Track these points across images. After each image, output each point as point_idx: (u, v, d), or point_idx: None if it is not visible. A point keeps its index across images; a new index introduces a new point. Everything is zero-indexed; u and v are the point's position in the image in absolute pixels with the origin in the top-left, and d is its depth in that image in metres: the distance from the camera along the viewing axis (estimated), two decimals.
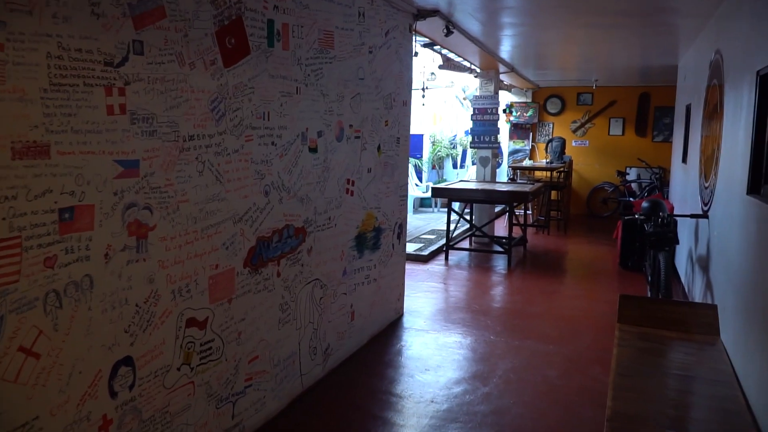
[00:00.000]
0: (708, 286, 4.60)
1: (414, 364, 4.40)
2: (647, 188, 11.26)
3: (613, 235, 9.00)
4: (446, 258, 8.03)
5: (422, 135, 13.37)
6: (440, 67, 7.24)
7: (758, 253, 3.19)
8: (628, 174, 12.04)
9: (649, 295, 5.83)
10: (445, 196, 7.96)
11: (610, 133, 12.43)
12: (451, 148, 13.62)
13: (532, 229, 10.22)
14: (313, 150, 3.72)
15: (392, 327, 5.21)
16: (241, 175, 3.01)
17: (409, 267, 7.47)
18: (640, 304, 4.33)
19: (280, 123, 3.33)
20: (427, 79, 8.47)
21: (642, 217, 5.32)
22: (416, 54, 5.37)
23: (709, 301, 4.54)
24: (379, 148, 4.73)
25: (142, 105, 2.36)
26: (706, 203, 4.91)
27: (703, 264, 4.91)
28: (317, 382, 3.98)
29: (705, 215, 4.85)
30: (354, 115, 4.26)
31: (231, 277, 2.98)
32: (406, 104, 5.27)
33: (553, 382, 4.16)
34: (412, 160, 12.70)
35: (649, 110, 12.16)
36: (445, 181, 13.17)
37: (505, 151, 13.02)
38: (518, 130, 12.92)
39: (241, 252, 3.05)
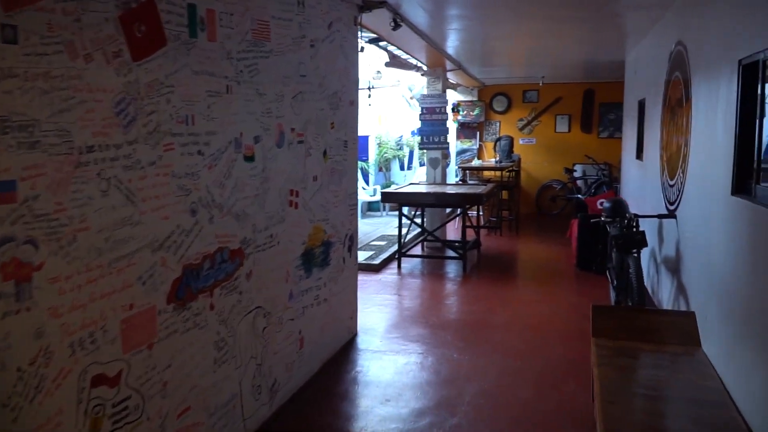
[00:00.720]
0: (680, 290, 4.33)
1: (372, 394, 3.94)
2: (594, 184, 11.18)
3: (567, 233, 8.81)
4: (399, 266, 7.61)
5: (368, 136, 12.93)
6: (387, 64, 6.82)
7: (750, 258, 2.89)
8: (576, 171, 11.95)
9: (613, 299, 5.57)
10: (396, 201, 7.54)
11: (557, 131, 12.33)
12: (397, 150, 13.25)
13: (484, 231, 9.94)
14: (250, 158, 3.22)
15: (346, 349, 4.73)
16: (160, 192, 2.48)
17: (361, 278, 7.01)
18: (615, 314, 4.02)
19: (208, 128, 2.81)
20: (373, 78, 8.04)
21: (606, 219, 5.04)
22: (362, 49, 4.92)
23: (682, 307, 4.27)
24: (325, 153, 4.26)
25: (18, 109, 1.82)
26: (672, 202, 4.66)
27: (672, 267, 4.66)
28: (264, 424, 3.46)
29: (672, 215, 4.59)
30: (296, 117, 3.77)
31: (151, 317, 2.45)
32: (354, 104, 4.81)
33: (529, 404, 3.78)
34: (358, 163, 12.25)
35: (594, 106, 12.10)
36: (393, 183, 12.77)
37: (453, 151, 12.73)
38: (465, 130, 12.66)
39: (164, 286, 2.52)
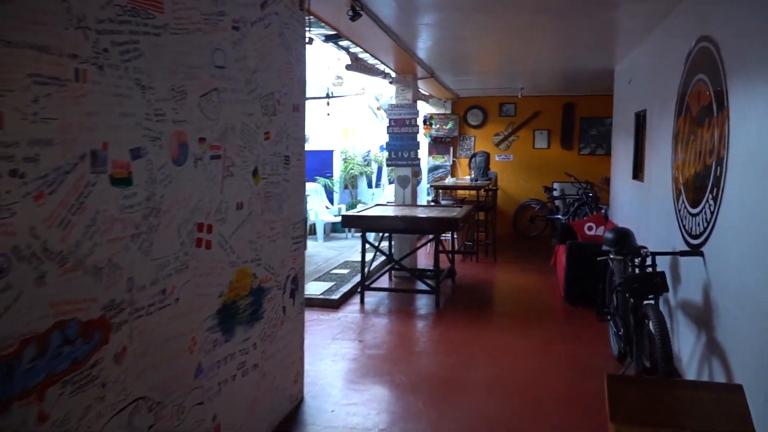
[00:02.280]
0: (712, 351, 3.38)
1: None
2: (576, 205, 10.36)
3: (551, 261, 7.88)
4: (362, 301, 6.57)
5: (332, 151, 11.95)
6: (348, 67, 5.84)
7: None
8: (555, 190, 11.13)
9: (615, 350, 4.62)
10: (358, 225, 6.53)
11: (535, 146, 11.50)
12: (365, 166, 12.25)
13: (459, 256, 8.97)
14: (123, 181, 2.16)
15: (287, 425, 3.67)
16: None
17: (316, 317, 5.96)
18: (638, 388, 3.03)
19: (33, 134, 1.76)
20: (333, 84, 7.03)
21: (612, 254, 4.09)
22: (310, 41, 3.92)
23: (716, 374, 3.32)
24: (256, 172, 3.22)
25: None
26: (697, 236, 3.73)
27: (697, 318, 3.71)
28: None
29: (697, 252, 3.66)
30: (208, 123, 2.73)
31: None
32: (299, 110, 3.79)
33: None
34: (321, 180, 11.25)
35: (574, 121, 11.31)
36: (359, 202, 11.75)
37: (425, 168, 11.79)
38: (438, 145, 11.74)
39: None
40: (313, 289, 6.86)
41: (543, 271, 8.17)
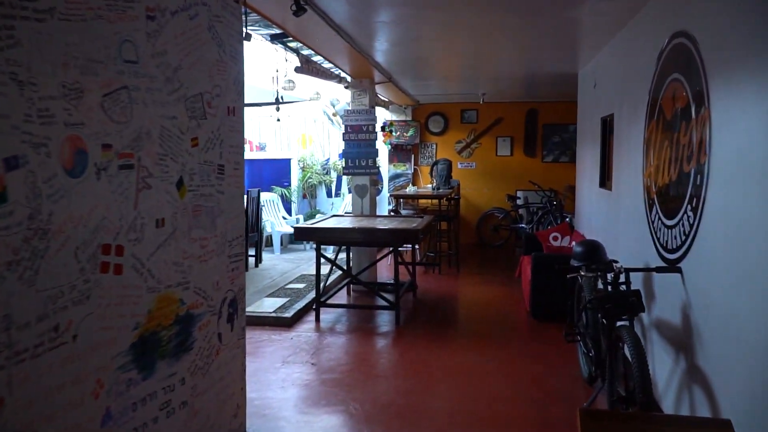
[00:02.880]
0: (693, 379, 3.09)
1: None
2: (540, 214, 10.15)
3: (516, 273, 7.60)
4: (317, 318, 6.16)
5: (290, 159, 11.51)
6: (297, 69, 5.44)
7: None
8: (519, 198, 10.91)
9: (585, 371, 4.31)
10: (312, 238, 6.13)
11: (498, 154, 11.27)
12: (324, 174, 11.83)
13: (420, 268, 8.63)
14: None
15: None
16: None
17: (266, 336, 5.54)
18: (615, 426, 2.71)
19: None
20: (284, 88, 6.62)
21: (583, 272, 3.78)
22: (248, 37, 3.52)
23: (698, 406, 3.02)
24: (181, 183, 2.80)
25: None
26: (673, 250, 3.45)
27: (675, 341, 3.42)
28: None
29: (674, 269, 3.37)
30: (115, 127, 2.31)
31: None
32: (236, 113, 3.38)
33: None
34: (278, 190, 10.80)
35: (537, 128, 11.12)
36: (318, 212, 11.33)
37: (385, 176, 11.44)
38: (399, 152, 11.41)
39: None
40: (266, 305, 6.43)
41: (507, 283, 7.89)
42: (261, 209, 9.14)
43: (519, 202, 10.81)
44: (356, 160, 7.19)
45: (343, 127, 7.27)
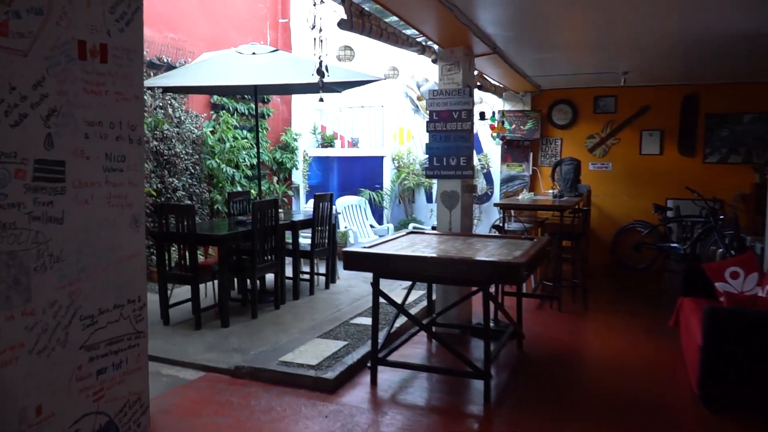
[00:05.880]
0: None
1: None
2: (700, 231, 7.73)
3: (671, 321, 5.29)
4: (373, 380, 4.36)
5: (382, 157, 9.82)
6: (342, 25, 3.65)
7: None
8: (671, 209, 8.46)
9: None
10: (364, 268, 4.32)
11: (643, 152, 8.90)
12: (423, 175, 10.01)
13: (532, 302, 6.55)
14: None
15: None
16: None
17: (297, 405, 3.80)
18: None
19: None
20: (338, 56, 4.82)
21: None
22: None
23: None
24: None
25: None
26: None
27: None
28: None
29: None
30: None
31: None
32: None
33: None
34: (366, 193, 9.15)
35: (698, 119, 8.58)
36: (413, 222, 9.53)
37: (497, 179, 9.42)
38: (514, 150, 9.33)
39: None
40: (311, 353, 4.73)
41: (657, 331, 5.62)
42: (336, 217, 7.51)
43: (670, 214, 8.37)
44: (443, 158, 5.31)
45: (427, 114, 5.41)
